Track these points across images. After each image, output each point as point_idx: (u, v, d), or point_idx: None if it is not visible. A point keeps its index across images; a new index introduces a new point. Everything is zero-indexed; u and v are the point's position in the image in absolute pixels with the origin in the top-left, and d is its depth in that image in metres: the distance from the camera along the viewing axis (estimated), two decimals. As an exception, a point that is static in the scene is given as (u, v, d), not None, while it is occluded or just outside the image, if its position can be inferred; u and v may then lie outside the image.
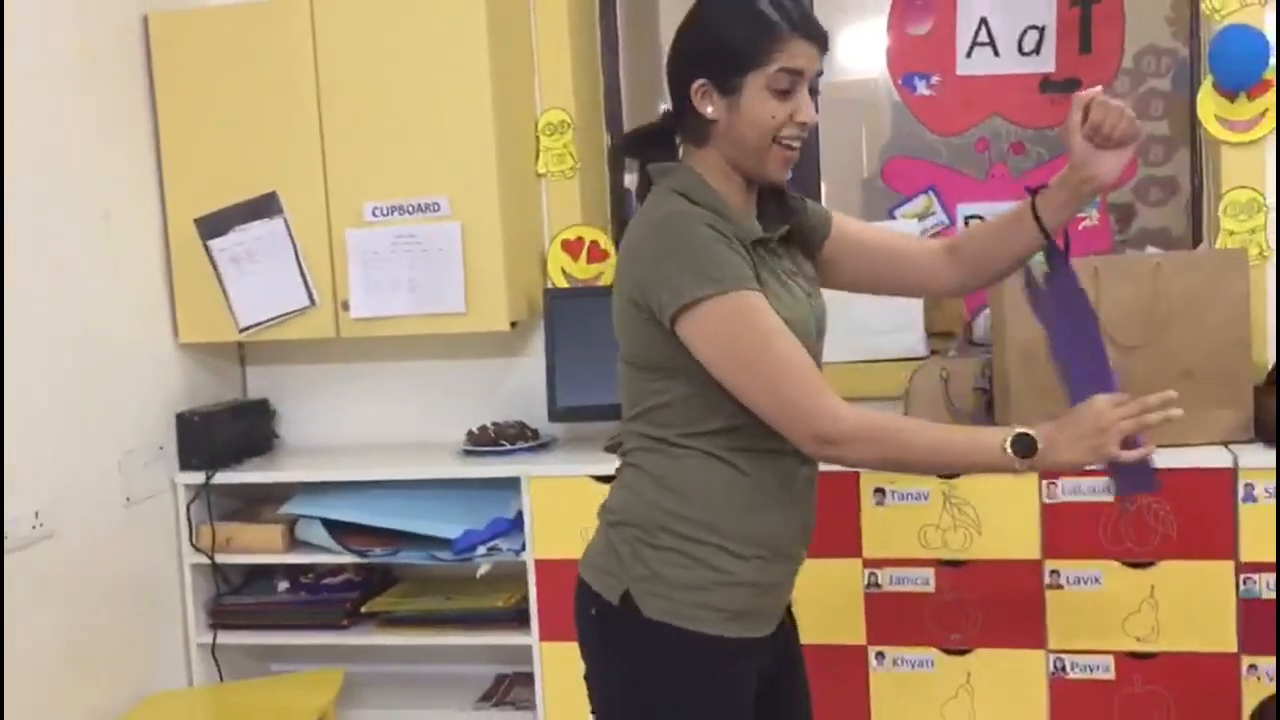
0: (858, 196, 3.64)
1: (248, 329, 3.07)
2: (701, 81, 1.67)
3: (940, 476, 2.59)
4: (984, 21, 3.07)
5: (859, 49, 3.39)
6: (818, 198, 3.21)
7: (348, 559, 3.00)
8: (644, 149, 1.81)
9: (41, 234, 2.65)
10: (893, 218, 3.15)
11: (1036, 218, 1.76)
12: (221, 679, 3.10)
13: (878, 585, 2.70)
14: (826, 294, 1.85)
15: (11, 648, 2.48)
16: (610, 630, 1.73)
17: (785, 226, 1.78)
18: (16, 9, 2.60)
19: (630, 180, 3.32)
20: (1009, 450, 1.57)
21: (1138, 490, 1.88)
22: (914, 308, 3.01)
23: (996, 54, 3.08)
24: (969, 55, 3.09)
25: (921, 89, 3.13)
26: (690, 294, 1.60)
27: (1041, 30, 3.04)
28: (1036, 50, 3.05)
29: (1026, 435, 1.58)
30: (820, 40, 1.68)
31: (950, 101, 3.12)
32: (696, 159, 1.74)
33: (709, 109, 1.68)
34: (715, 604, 1.69)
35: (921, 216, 3.13)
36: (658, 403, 1.72)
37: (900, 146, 3.25)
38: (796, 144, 1.70)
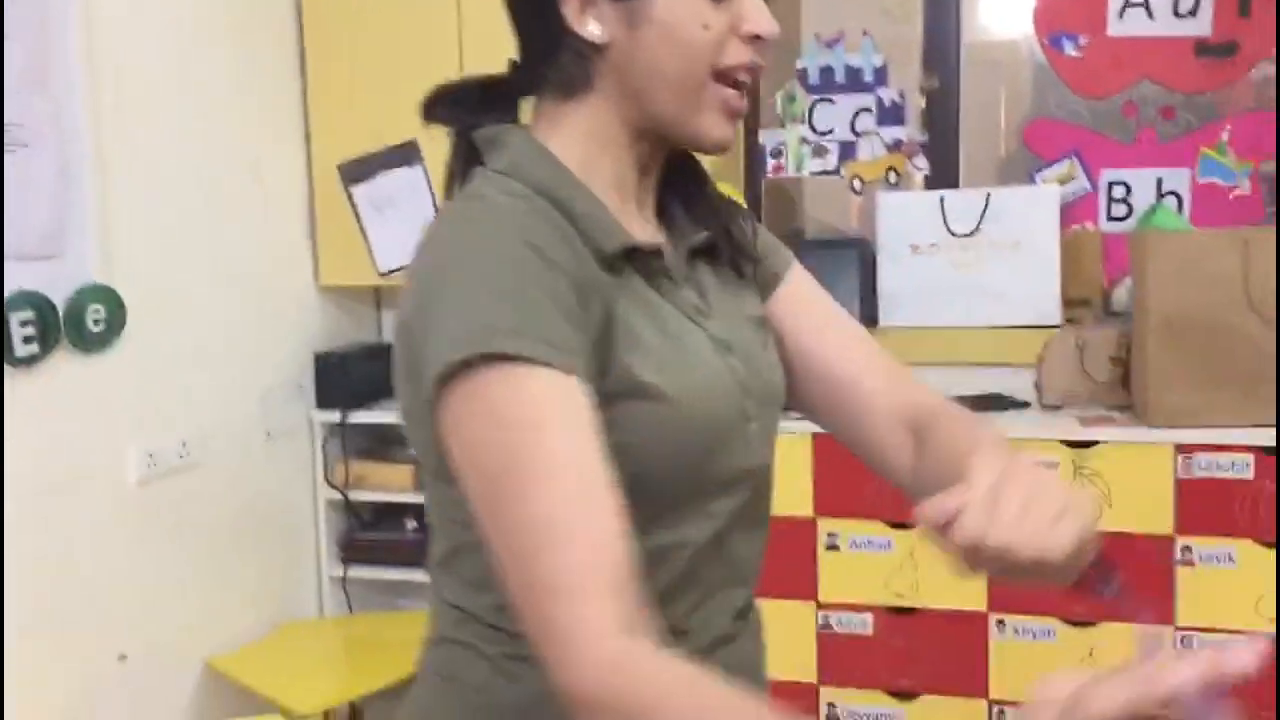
0: (996, 161, 3.57)
1: (388, 274, 3.15)
2: None
3: None
4: (1138, -19, 2.99)
5: (1000, 9, 3.30)
6: (955, 165, 3.16)
7: (474, 502, 3.07)
8: (461, 114, 1.12)
9: (195, 180, 2.75)
10: (1033, 182, 3.08)
11: None
12: (351, 611, 3.21)
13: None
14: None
15: (157, 571, 2.60)
16: None
17: (702, 234, 1.12)
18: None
19: (765, 137, 3.28)
20: None
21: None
22: (1049, 271, 2.95)
23: (1150, 15, 2.98)
24: (1121, 16, 3.00)
25: (1069, 50, 3.05)
26: (453, 353, 0.91)
27: (1199, -9, 2.95)
28: (1193, 12, 2.94)
29: None
30: None
31: (1099, 63, 3.03)
32: (560, 123, 1.06)
33: (591, 25, 1.01)
34: None
35: (1063, 181, 3.05)
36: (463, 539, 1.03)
37: (1040, 110, 3.17)
38: (745, 81, 1.04)
